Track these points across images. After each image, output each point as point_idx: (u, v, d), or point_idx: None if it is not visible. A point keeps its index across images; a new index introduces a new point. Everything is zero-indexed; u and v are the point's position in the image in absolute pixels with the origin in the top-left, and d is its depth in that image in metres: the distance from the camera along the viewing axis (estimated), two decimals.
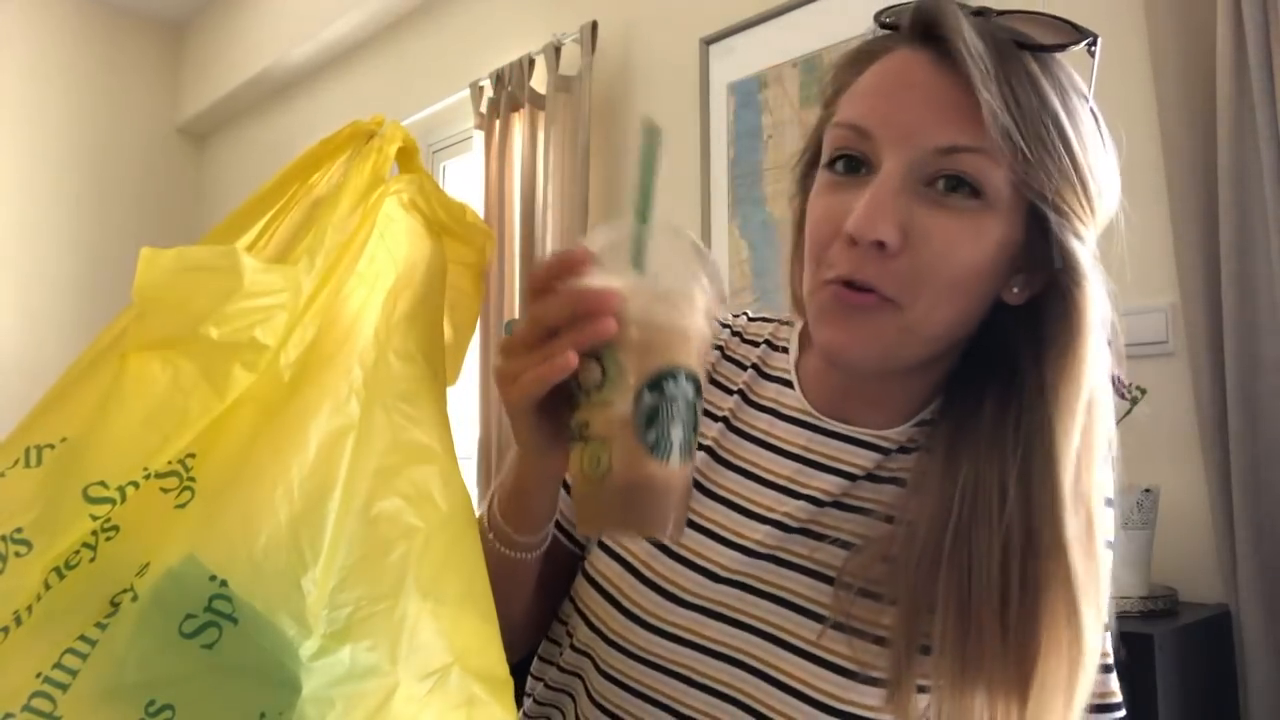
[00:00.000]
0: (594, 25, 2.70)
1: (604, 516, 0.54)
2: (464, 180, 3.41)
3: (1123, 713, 0.71)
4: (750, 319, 0.82)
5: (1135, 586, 1.46)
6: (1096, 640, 0.63)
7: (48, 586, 0.47)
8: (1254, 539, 1.50)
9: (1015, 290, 0.65)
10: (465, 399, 2.84)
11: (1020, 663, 0.61)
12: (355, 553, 0.51)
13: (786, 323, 0.81)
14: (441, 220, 0.64)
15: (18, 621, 0.47)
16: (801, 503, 0.70)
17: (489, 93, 2.99)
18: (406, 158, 0.65)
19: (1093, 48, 0.64)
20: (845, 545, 0.68)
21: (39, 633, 0.47)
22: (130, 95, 4.56)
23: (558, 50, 2.77)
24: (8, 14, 4.16)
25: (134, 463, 0.48)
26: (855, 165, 0.64)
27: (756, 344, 0.79)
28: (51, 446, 0.49)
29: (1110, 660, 0.72)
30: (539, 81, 2.84)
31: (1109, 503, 0.71)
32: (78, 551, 0.48)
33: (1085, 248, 0.63)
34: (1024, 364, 0.64)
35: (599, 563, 0.74)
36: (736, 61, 2.40)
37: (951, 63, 0.60)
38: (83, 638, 0.46)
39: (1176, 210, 1.63)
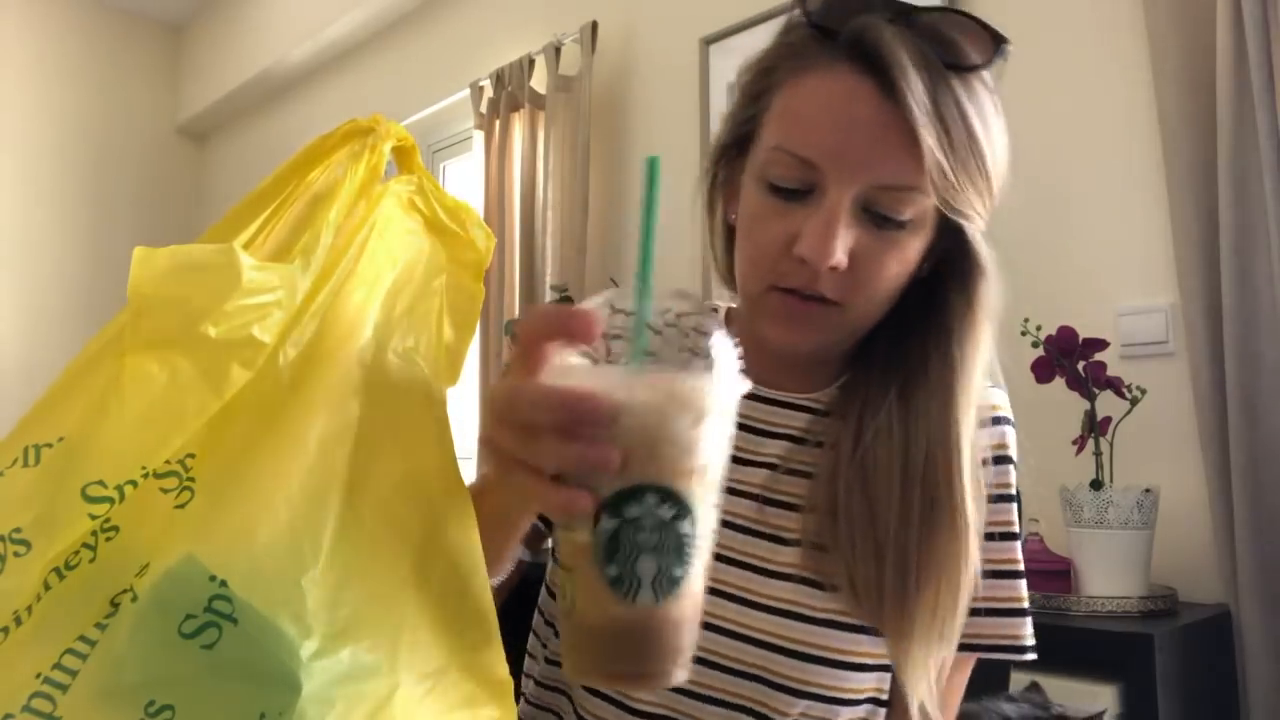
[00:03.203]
0: (594, 25, 2.70)
1: (584, 663, 0.47)
2: (464, 180, 3.41)
3: (1033, 656, 0.77)
4: (678, 314, 0.86)
5: (1135, 586, 1.46)
6: (968, 560, 0.69)
7: (47, 587, 0.47)
8: (1254, 539, 1.50)
9: (924, 268, 0.72)
10: (465, 399, 2.84)
11: (896, 589, 0.69)
12: (355, 553, 0.51)
13: (709, 309, 0.87)
14: (441, 220, 0.64)
15: (17, 622, 0.47)
16: (760, 470, 0.76)
17: (489, 93, 2.99)
18: (406, 157, 0.65)
19: (1005, 56, 0.67)
20: (795, 508, 0.75)
21: (38, 633, 0.47)
22: (130, 95, 4.56)
23: (558, 50, 2.77)
24: (8, 15, 4.16)
25: (132, 462, 0.47)
26: (797, 192, 0.68)
27: (686, 333, 0.82)
28: (50, 446, 0.49)
29: (1022, 604, 0.78)
30: (539, 81, 2.84)
31: (1004, 460, 0.80)
32: (77, 552, 0.48)
33: (980, 235, 0.71)
34: (918, 323, 0.73)
35: None
36: (736, 61, 2.39)
37: (893, 99, 0.63)
38: (82, 638, 0.46)
39: (1176, 210, 1.63)
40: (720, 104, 2.43)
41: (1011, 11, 1.84)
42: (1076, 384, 1.52)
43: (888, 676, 0.74)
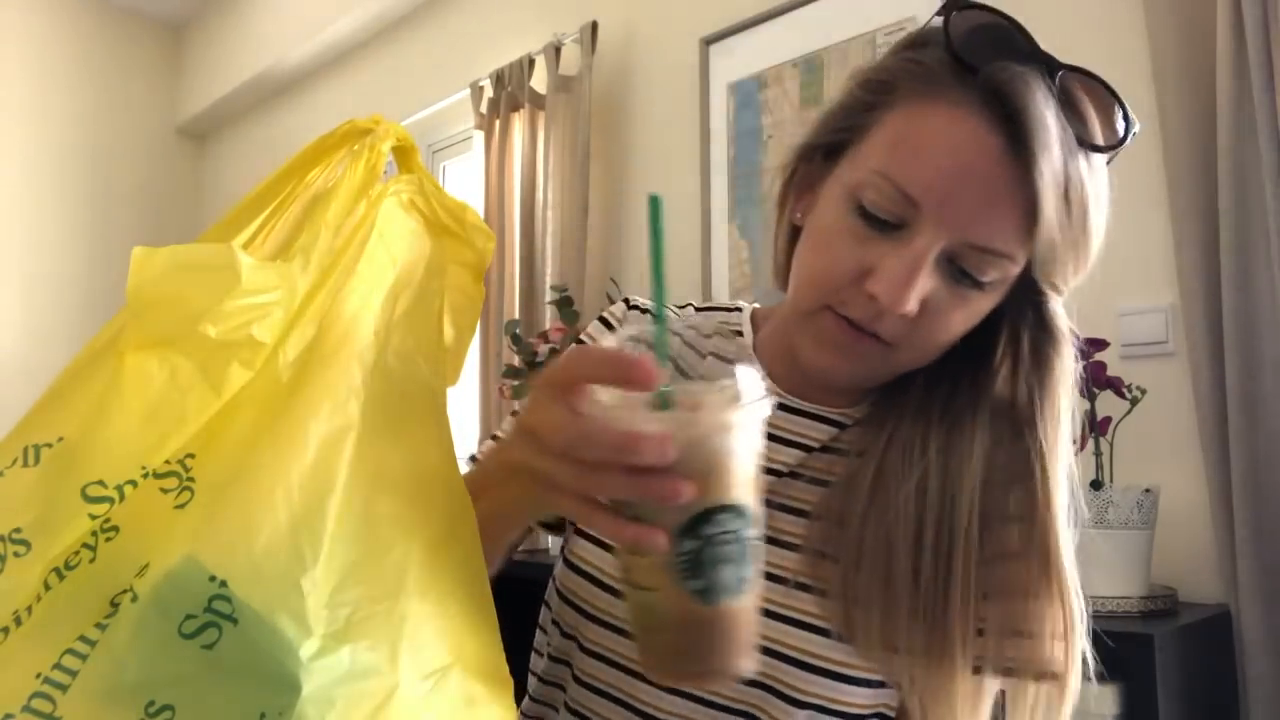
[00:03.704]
0: (594, 25, 2.70)
1: (673, 665, 0.51)
2: (464, 180, 3.41)
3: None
4: (697, 309, 0.85)
5: (1135, 586, 1.46)
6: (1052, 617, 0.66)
7: (47, 587, 0.47)
8: (1254, 539, 1.50)
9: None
10: (465, 399, 2.84)
11: (931, 629, 0.65)
12: (355, 553, 0.51)
13: (732, 309, 0.84)
14: (441, 220, 0.64)
15: (17, 622, 0.47)
16: (769, 476, 0.73)
17: (489, 93, 2.99)
18: (406, 157, 0.65)
19: (1131, 141, 0.65)
20: (803, 514, 0.72)
21: (39, 633, 0.47)
22: (130, 95, 4.56)
23: (558, 50, 2.77)
24: (8, 14, 4.16)
25: (132, 461, 0.47)
26: (887, 224, 0.64)
27: (709, 335, 0.82)
28: (50, 446, 0.49)
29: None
30: (539, 81, 2.84)
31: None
32: (77, 552, 0.48)
33: (1060, 306, 0.69)
34: (959, 360, 0.70)
35: (580, 549, 0.75)
36: (736, 61, 2.40)
37: (1021, 161, 0.60)
38: (82, 638, 0.46)
39: (1176, 210, 1.63)
40: (720, 104, 2.44)
41: (1011, 12, 1.84)
42: (1076, 384, 1.52)
43: (895, 694, 0.72)
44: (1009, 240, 0.62)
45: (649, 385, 0.47)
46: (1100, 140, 0.64)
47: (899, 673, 0.68)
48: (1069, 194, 0.61)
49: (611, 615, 0.72)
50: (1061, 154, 0.60)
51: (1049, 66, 0.63)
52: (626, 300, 0.85)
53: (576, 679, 0.75)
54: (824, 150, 0.71)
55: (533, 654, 0.84)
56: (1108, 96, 0.65)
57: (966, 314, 0.66)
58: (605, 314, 0.85)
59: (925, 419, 0.70)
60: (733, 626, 0.49)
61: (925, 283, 0.63)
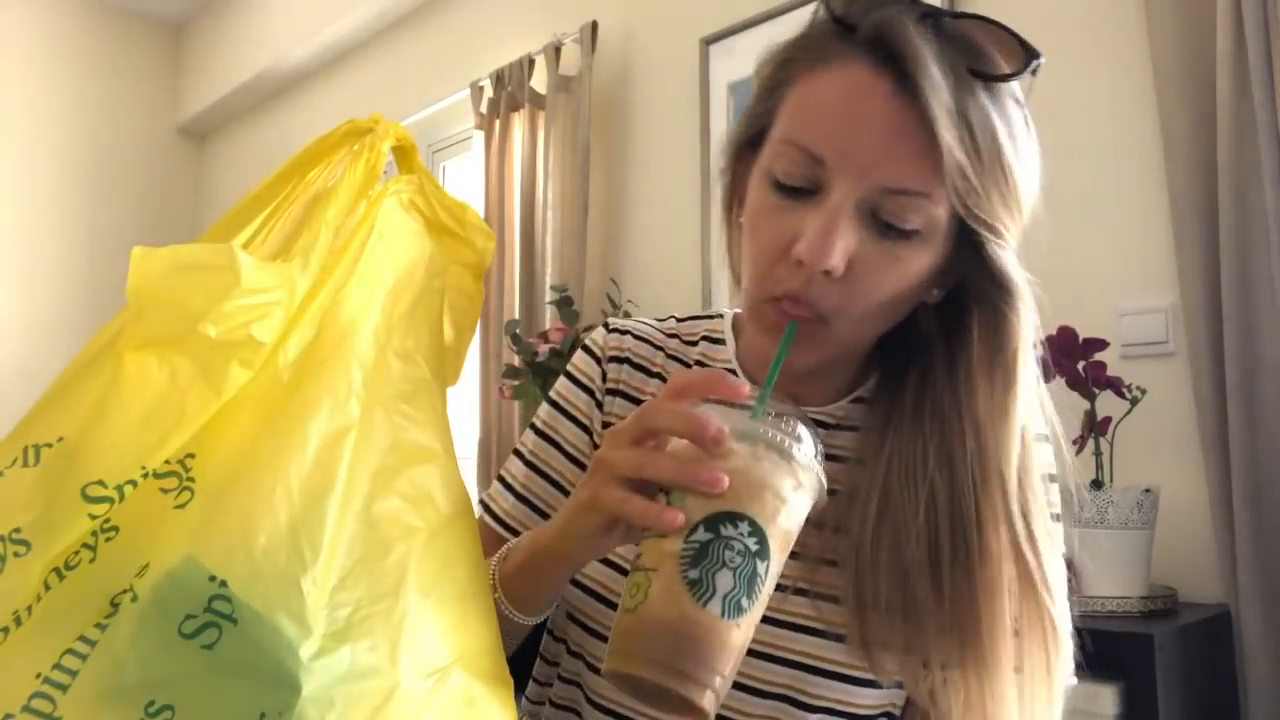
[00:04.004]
0: (594, 25, 2.70)
1: (632, 652, 0.50)
2: (464, 180, 3.41)
3: (1073, 681, 0.72)
4: (679, 320, 0.85)
5: (1135, 586, 1.46)
6: (1041, 614, 0.65)
7: (47, 587, 0.47)
8: (1254, 539, 1.50)
9: (935, 293, 0.69)
10: (465, 399, 2.84)
11: (959, 628, 0.64)
12: (355, 553, 0.51)
13: (715, 316, 0.85)
14: (441, 220, 0.64)
15: (17, 622, 0.47)
16: None
17: (489, 93, 2.99)
18: (406, 157, 0.65)
19: (1036, 71, 0.64)
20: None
21: (39, 633, 0.47)
22: (130, 95, 4.56)
23: (558, 50, 2.77)
24: (8, 14, 4.16)
25: (132, 461, 0.47)
26: (802, 191, 0.65)
27: (694, 342, 0.82)
28: (49, 445, 0.49)
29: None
30: (539, 81, 2.84)
31: (1051, 478, 0.75)
32: (77, 552, 0.48)
33: (1012, 256, 0.66)
34: (940, 346, 0.69)
35: (588, 569, 0.75)
36: (736, 61, 2.40)
37: (910, 95, 0.60)
38: (82, 638, 0.46)
39: (1176, 210, 1.63)
40: (720, 104, 2.43)
41: (1011, 12, 1.84)
42: (1076, 384, 1.52)
43: (901, 693, 0.72)
44: (918, 176, 0.61)
45: (740, 394, 0.54)
46: (995, 69, 0.63)
47: (934, 682, 0.66)
48: (968, 119, 0.60)
49: None
50: (950, 81, 0.60)
51: (927, 12, 0.63)
52: (606, 325, 0.85)
53: (590, 701, 0.75)
54: (748, 144, 0.72)
55: (531, 683, 0.84)
56: (999, 31, 0.63)
57: (899, 272, 0.64)
58: (588, 341, 0.85)
59: (919, 422, 0.69)
60: (706, 640, 0.49)
61: (847, 236, 0.62)
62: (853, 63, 0.63)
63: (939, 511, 0.66)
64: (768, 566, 0.51)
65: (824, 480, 0.55)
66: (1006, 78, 0.63)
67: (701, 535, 0.50)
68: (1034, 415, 0.72)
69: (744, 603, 0.50)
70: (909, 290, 0.66)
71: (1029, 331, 0.67)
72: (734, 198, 0.75)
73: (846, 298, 0.64)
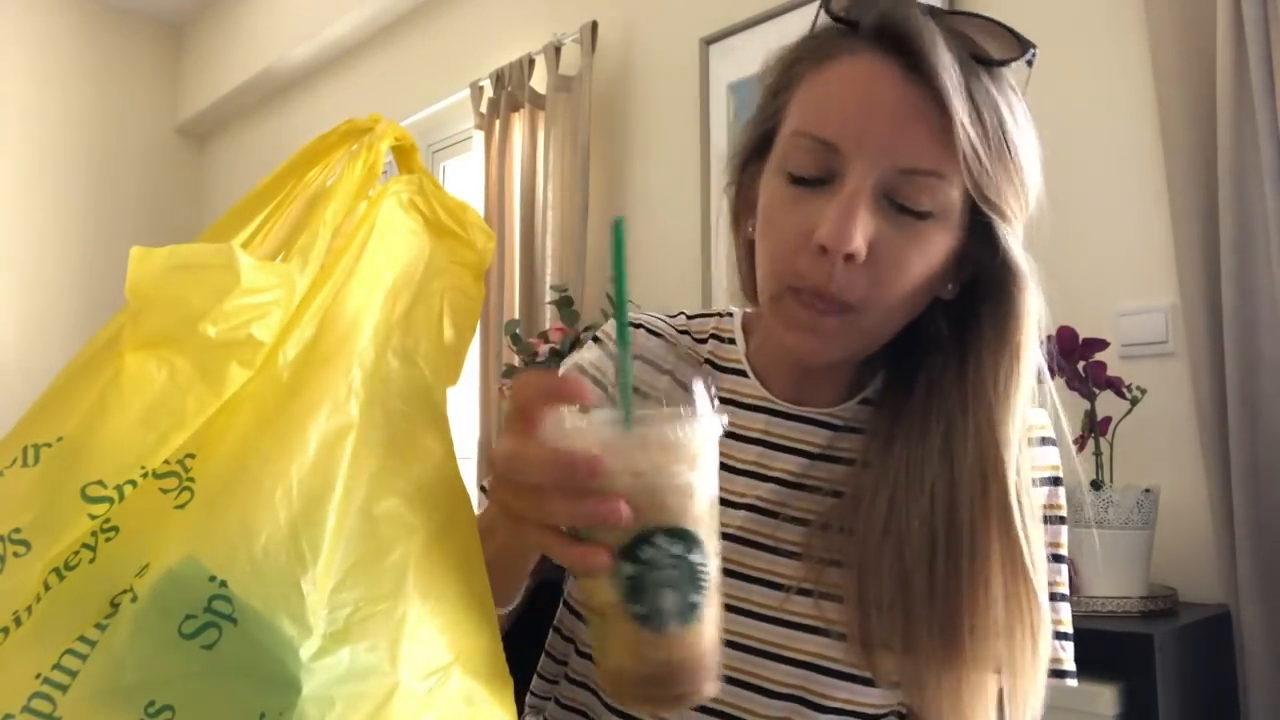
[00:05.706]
0: (594, 25, 2.70)
1: (627, 693, 0.51)
2: (464, 180, 3.41)
3: (1074, 682, 0.74)
4: (689, 317, 0.85)
5: (1135, 586, 1.46)
6: (1031, 610, 0.66)
7: (47, 587, 0.47)
8: (1254, 539, 1.50)
9: (950, 287, 0.70)
10: (465, 399, 2.84)
11: (946, 628, 0.65)
12: (355, 553, 0.51)
13: (724, 314, 0.85)
14: (441, 220, 0.64)
15: (17, 622, 0.47)
16: (771, 485, 0.74)
17: (489, 93, 2.99)
18: (406, 157, 0.65)
19: (1031, 61, 0.66)
20: (804, 522, 0.73)
21: (38, 633, 0.47)
22: (130, 95, 4.56)
23: (558, 50, 2.77)
24: (8, 15, 4.16)
25: (131, 461, 0.47)
26: (818, 180, 0.65)
27: (704, 340, 0.83)
28: (49, 445, 0.49)
29: (1065, 628, 0.75)
30: (539, 81, 2.84)
31: (1053, 481, 0.76)
32: (77, 552, 0.48)
33: (1019, 244, 0.67)
34: (950, 347, 0.70)
35: (573, 585, 0.76)
36: (736, 61, 2.40)
37: (919, 77, 0.62)
38: (82, 638, 0.46)
39: (1176, 210, 1.63)
40: (720, 104, 2.43)
41: (1011, 11, 1.84)
42: (1076, 384, 1.52)
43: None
44: (933, 155, 0.62)
45: (581, 398, 0.49)
46: (993, 55, 0.65)
47: (922, 677, 0.67)
48: (975, 100, 0.62)
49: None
50: (958, 63, 0.62)
51: (924, 9, 0.65)
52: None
53: (604, 701, 0.75)
54: (755, 151, 0.73)
55: (537, 678, 0.84)
56: (993, 25, 0.65)
57: (920, 251, 0.64)
58: (599, 333, 0.85)
59: (926, 428, 0.69)
60: (685, 653, 0.49)
61: (867, 220, 0.62)
62: (860, 53, 0.65)
63: (938, 512, 0.67)
64: (702, 549, 0.49)
65: (724, 418, 0.51)
66: (1006, 61, 0.65)
67: (628, 569, 0.48)
68: (1041, 416, 0.73)
69: (695, 599, 0.49)
70: (930, 275, 0.66)
71: (1035, 318, 0.68)
72: (742, 210, 0.75)
73: (872, 283, 0.64)
